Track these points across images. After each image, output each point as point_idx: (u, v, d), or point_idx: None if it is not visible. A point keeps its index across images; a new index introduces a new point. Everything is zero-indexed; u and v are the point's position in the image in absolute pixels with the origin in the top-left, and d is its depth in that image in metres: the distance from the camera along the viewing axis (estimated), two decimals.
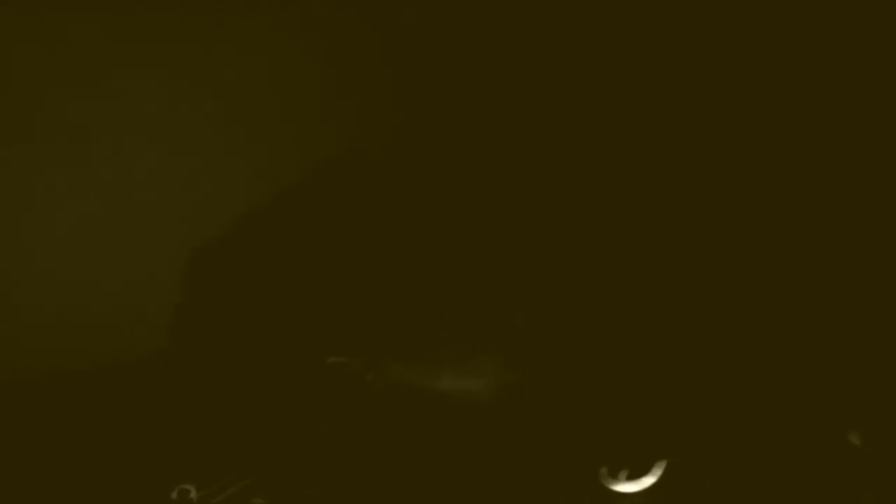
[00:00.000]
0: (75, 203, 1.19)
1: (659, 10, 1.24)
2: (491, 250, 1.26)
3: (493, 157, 1.30)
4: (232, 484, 1.04)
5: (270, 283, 1.25)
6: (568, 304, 1.21)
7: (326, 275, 1.26)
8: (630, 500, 1.04)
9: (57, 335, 1.20)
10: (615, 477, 1.05)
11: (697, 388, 1.14)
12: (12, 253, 1.17)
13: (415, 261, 1.26)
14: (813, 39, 1.20)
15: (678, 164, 1.26)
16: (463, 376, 1.15)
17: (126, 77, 1.18)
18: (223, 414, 1.14)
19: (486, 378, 1.15)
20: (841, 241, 1.20)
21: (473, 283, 1.23)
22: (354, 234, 1.27)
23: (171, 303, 1.23)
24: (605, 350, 1.17)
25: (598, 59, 1.28)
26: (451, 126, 1.30)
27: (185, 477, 1.05)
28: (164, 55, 1.20)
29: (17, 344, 1.18)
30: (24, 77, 1.14)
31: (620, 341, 1.18)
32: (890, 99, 1.18)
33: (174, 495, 1.03)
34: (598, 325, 1.19)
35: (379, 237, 1.28)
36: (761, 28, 1.22)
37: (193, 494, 1.03)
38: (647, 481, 1.04)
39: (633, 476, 1.05)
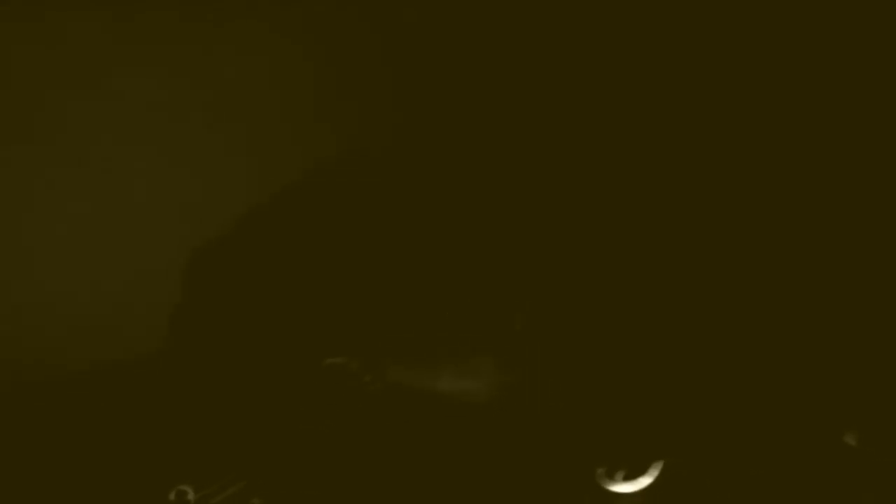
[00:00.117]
0: (75, 203, 1.19)
1: (659, 10, 1.24)
2: (490, 251, 1.26)
3: (492, 158, 1.30)
4: (230, 485, 1.04)
5: (269, 284, 1.25)
6: (566, 304, 1.21)
7: (325, 275, 1.26)
8: (627, 500, 1.04)
9: (56, 335, 1.20)
10: (612, 477, 1.05)
11: (694, 388, 1.13)
12: (12, 253, 1.17)
13: (413, 261, 1.26)
14: (813, 39, 1.20)
15: (675, 165, 1.26)
16: (461, 377, 1.15)
17: (126, 77, 1.18)
18: (221, 415, 1.14)
19: (485, 379, 1.15)
20: (838, 242, 1.20)
21: (472, 284, 1.23)
22: (353, 235, 1.27)
23: (170, 303, 1.23)
24: (602, 351, 1.17)
25: (598, 59, 1.27)
26: (450, 126, 1.30)
27: (182, 478, 1.05)
28: (164, 55, 1.20)
29: (16, 344, 1.18)
30: (24, 77, 1.14)
31: (618, 342, 1.17)
32: (890, 99, 1.18)
33: (172, 496, 1.03)
34: (595, 326, 1.19)
35: (378, 237, 1.28)
36: (761, 28, 1.21)
37: (191, 496, 1.03)
38: (644, 482, 1.04)
39: (630, 476, 1.05)
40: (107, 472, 1.08)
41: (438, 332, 1.18)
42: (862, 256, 1.18)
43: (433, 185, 1.30)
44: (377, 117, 1.30)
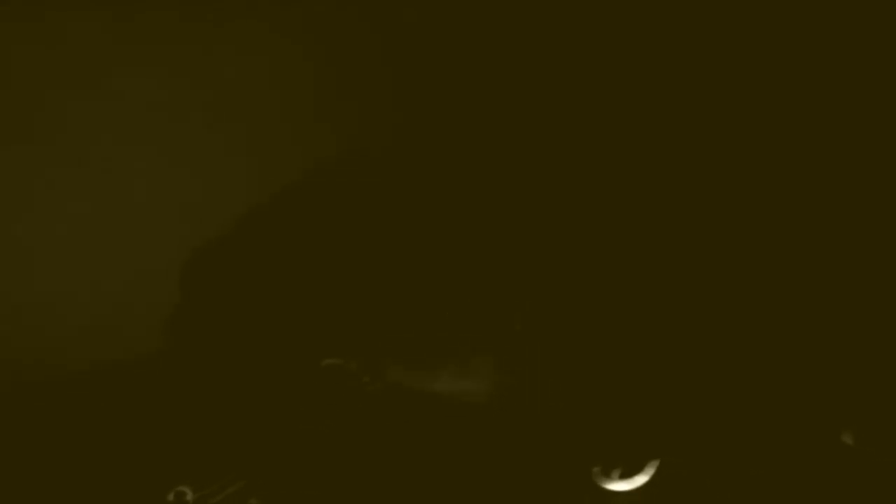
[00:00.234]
0: (75, 203, 1.19)
1: (659, 10, 1.24)
2: (489, 252, 1.26)
3: (492, 158, 1.30)
4: (228, 485, 1.04)
5: (269, 284, 1.25)
6: (565, 304, 1.21)
7: (324, 275, 1.25)
8: (623, 498, 1.04)
9: (56, 335, 1.20)
10: (608, 476, 1.05)
11: (690, 386, 1.13)
12: (12, 253, 1.18)
13: (412, 262, 1.26)
14: (813, 39, 1.20)
15: (674, 166, 1.26)
16: (460, 377, 1.14)
17: (126, 77, 1.18)
18: (220, 415, 1.14)
19: (483, 379, 1.14)
20: (835, 242, 1.19)
21: (472, 284, 1.23)
22: (353, 235, 1.27)
23: (170, 303, 1.23)
24: (599, 350, 1.17)
25: (598, 59, 1.27)
26: (450, 126, 1.30)
27: (181, 479, 1.05)
28: (164, 55, 1.20)
29: (16, 344, 1.18)
30: (24, 77, 1.14)
31: (615, 341, 1.17)
32: (890, 99, 1.18)
33: (170, 497, 1.03)
34: (592, 326, 1.19)
35: (377, 237, 1.27)
36: (761, 28, 1.21)
37: (189, 496, 1.03)
38: (640, 480, 1.04)
39: (626, 475, 1.05)
40: (106, 472, 1.08)
41: (437, 332, 1.18)
42: (860, 256, 1.18)
43: (433, 185, 1.30)
44: (377, 117, 1.30)
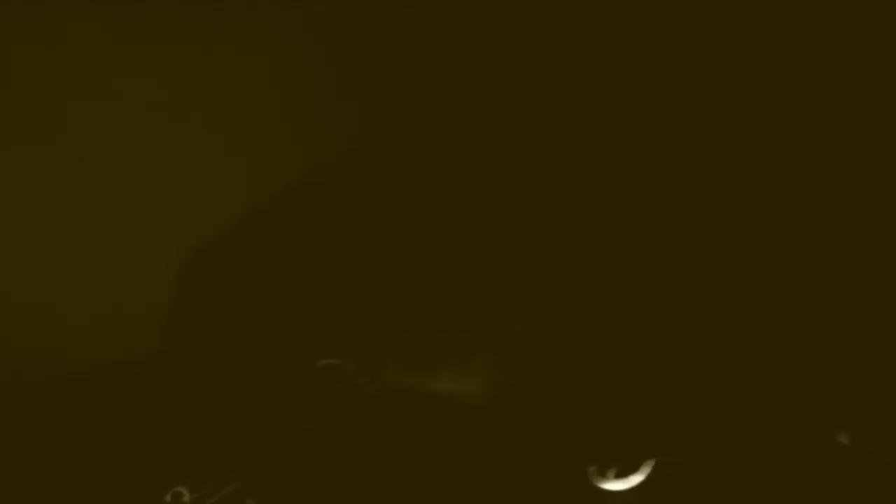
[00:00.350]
0: (75, 203, 1.19)
1: (659, 10, 1.24)
2: (488, 251, 1.26)
3: (491, 158, 1.30)
4: (225, 486, 1.04)
5: (265, 284, 1.25)
6: (563, 305, 1.21)
7: (321, 276, 1.25)
8: (618, 498, 1.04)
9: (56, 335, 1.20)
10: (604, 475, 1.05)
11: (686, 386, 1.13)
12: (12, 253, 1.18)
13: (410, 262, 1.26)
14: (813, 39, 1.19)
15: (672, 166, 1.25)
16: (458, 378, 1.14)
17: (126, 77, 1.18)
18: (218, 416, 1.14)
19: (482, 379, 1.14)
20: (832, 242, 1.19)
21: (470, 284, 1.23)
22: (354, 235, 1.27)
23: (168, 304, 1.23)
24: (596, 349, 1.17)
25: (598, 59, 1.27)
26: (450, 127, 1.30)
27: (178, 480, 1.05)
28: (164, 55, 1.20)
29: (16, 344, 1.18)
30: (24, 77, 1.14)
31: (612, 341, 1.17)
32: (890, 99, 1.17)
33: (168, 498, 1.03)
34: (589, 325, 1.19)
35: (377, 238, 1.27)
36: (761, 28, 1.21)
37: (187, 498, 1.03)
38: (636, 479, 1.04)
39: (622, 474, 1.04)
40: (104, 473, 1.08)
41: (434, 332, 1.18)
42: (858, 257, 1.18)
43: (432, 185, 1.29)
44: (377, 117, 1.29)
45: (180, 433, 1.12)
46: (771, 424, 1.08)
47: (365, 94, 1.29)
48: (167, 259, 1.23)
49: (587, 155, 1.28)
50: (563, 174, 1.29)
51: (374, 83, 1.29)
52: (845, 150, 1.19)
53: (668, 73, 1.25)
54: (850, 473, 1.03)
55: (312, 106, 1.28)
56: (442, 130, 1.30)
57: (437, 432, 1.11)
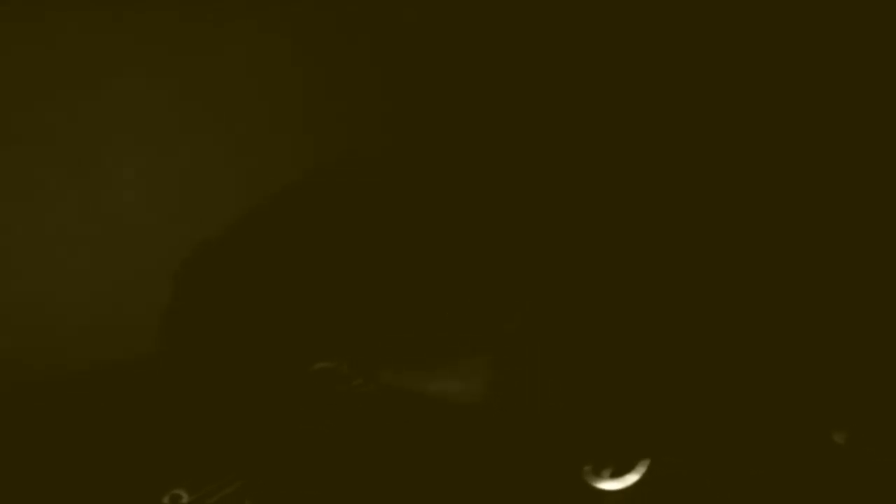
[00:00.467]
0: (74, 203, 1.19)
1: (659, 10, 1.23)
2: (486, 252, 1.26)
3: (489, 159, 1.30)
4: (223, 488, 1.04)
5: (261, 287, 1.25)
6: (562, 305, 1.21)
7: (316, 278, 1.26)
8: (614, 497, 1.04)
9: (56, 335, 1.21)
10: (599, 475, 1.05)
11: (681, 385, 1.13)
12: (11, 253, 1.18)
13: (408, 262, 1.26)
14: (813, 39, 1.19)
15: (671, 166, 1.25)
16: (455, 378, 1.14)
17: (126, 77, 1.18)
18: (216, 417, 1.14)
19: (479, 380, 1.14)
20: (830, 242, 1.19)
21: (468, 285, 1.23)
22: (349, 236, 1.27)
23: (165, 305, 1.23)
24: (592, 349, 1.17)
25: (597, 59, 1.27)
26: (447, 128, 1.30)
27: (176, 482, 1.05)
28: (164, 55, 1.20)
29: (16, 344, 1.19)
30: (24, 77, 1.14)
31: (608, 340, 1.17)
32: (890, 99, 1.17)
33: (166, 500, 1.03)
34: (586, 326, 1.19)
35: (373, 239, 1.27)
36: (761, 28, 1.21)
37: (185, 499, 1.03)
38: (631, 479, 1.04)
39: (617, 474, 1.04)
40: (103, 474, 1.09)
41: (430, 333, 1.18)
42: (857, 257, 1.18)
43: (429, 186, 1.29)
44: (373, 119, 1.30)
45: (179, 434, 1.12)
46: (768, 424, 1.08)
47: (363, 96, 1.29)
48: (166, 259, 1.23)
49: (585, 155, 1.28)
50: (560, 175, 1.29)
51: (371, 85, 1.29)
52: (845, 150, 1.19)
53: (667, 74, 1.25)
54: (847, 473, 1.03)
55: (312, 107, 1.28)
56: (438, 132, 1.30)
57: (433, 433, 1.11)
